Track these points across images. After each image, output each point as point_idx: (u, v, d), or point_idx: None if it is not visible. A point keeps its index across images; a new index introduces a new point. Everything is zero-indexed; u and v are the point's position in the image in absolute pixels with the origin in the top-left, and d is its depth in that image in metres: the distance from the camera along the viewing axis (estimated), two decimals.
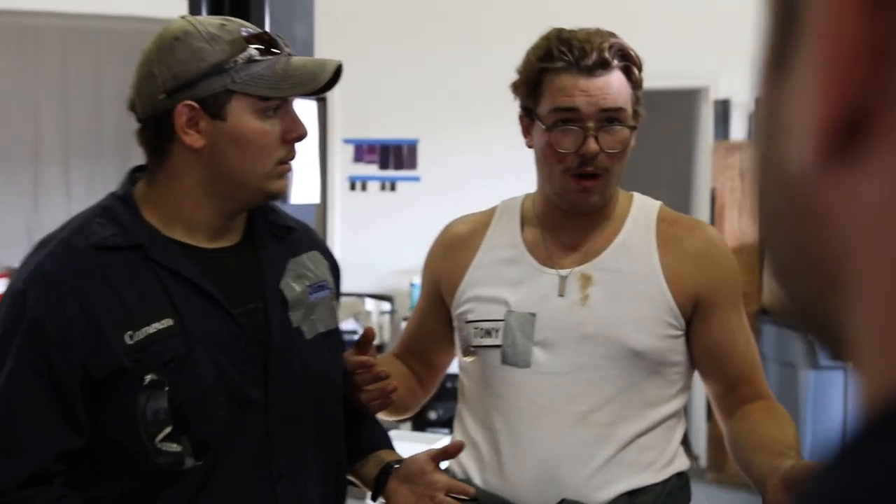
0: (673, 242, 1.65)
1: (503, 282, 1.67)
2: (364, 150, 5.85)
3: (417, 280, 5.54)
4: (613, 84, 1.57)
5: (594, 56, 1.55)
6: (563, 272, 1.64)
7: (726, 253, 1.69)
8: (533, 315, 1.63)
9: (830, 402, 4.50)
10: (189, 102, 1.39)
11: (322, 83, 1.44)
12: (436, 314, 1.78)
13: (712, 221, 5.10)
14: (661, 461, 1.63)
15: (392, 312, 5.56)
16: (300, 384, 1.50)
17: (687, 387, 1.69)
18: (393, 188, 5.82)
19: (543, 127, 1.59)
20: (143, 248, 1.41)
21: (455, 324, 1.73)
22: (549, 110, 1.58)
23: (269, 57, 1.42)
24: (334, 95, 5.79)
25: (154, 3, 4.54)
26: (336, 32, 5.55)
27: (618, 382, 1.60)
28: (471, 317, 1.68)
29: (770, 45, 0.32)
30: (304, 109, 3.12)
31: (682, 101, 5.98)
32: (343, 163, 5.87)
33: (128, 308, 1.38)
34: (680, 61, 5.27)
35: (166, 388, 1.36)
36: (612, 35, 1.61)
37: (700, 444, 5.35)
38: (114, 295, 1.38)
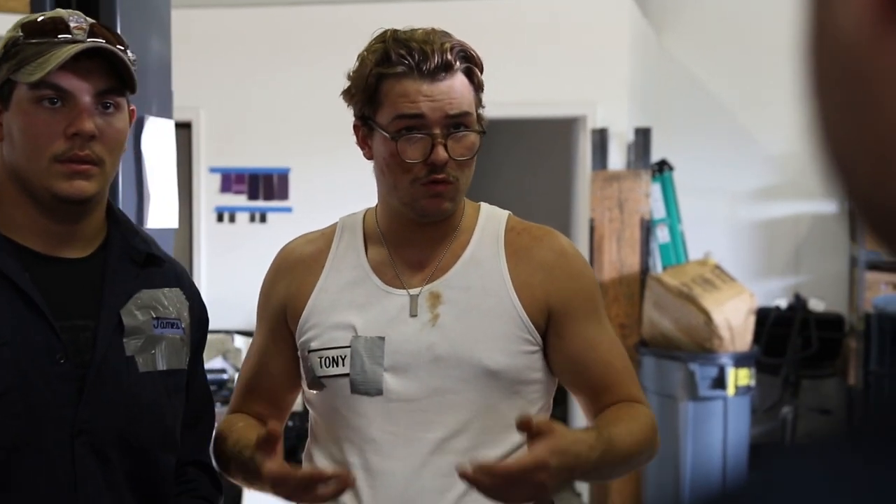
0: (522, 253, 1.60)
1: (349, 306, 1.59)
2: (232, 180, 5.63)
3: None
4: (457, 88, 1.52)
5: (436, 59, 1.49)
6: (414, 291, 1.58)
7: (578, 261, 1.63)
8: (382, 339, 1.55)
9: (710, 432, 4.57)
10: None
11: (49, 66, 1.35)
12: (280, 349, 1.66)
13: (591, 252, 5.06)
14: None
15: None
16: (122, 417, 1.42)
17: (548, 406, 1.64)
18: (263, 219, 5.62)
19: (386, 136, 1.52)
20: None
21: (299, 353, 1.63)
22: (391, 118, 1.51)
23: (44, 42, 1.37)
24: (199, 120, 5.55)
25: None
26: (199, 54, 5.31)
27: (475, 405, 1.54)
28: (315, 345, 1.59)
29: None
30: (160, 128, 2.88)
31: (560, 131, 5.96)
32: (209, 192, 5.63)
33: None
34: (558, 90, 5.23)
35: None
36: (450, 35, 1.54)
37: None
38: None
